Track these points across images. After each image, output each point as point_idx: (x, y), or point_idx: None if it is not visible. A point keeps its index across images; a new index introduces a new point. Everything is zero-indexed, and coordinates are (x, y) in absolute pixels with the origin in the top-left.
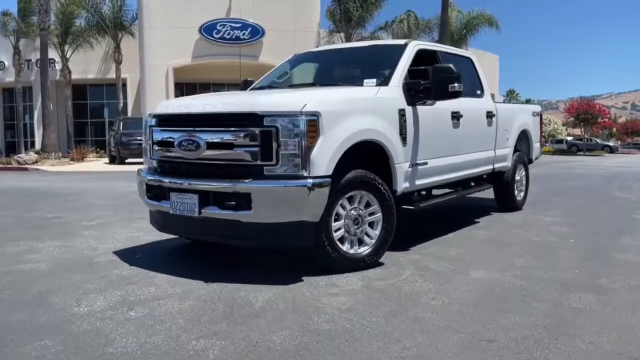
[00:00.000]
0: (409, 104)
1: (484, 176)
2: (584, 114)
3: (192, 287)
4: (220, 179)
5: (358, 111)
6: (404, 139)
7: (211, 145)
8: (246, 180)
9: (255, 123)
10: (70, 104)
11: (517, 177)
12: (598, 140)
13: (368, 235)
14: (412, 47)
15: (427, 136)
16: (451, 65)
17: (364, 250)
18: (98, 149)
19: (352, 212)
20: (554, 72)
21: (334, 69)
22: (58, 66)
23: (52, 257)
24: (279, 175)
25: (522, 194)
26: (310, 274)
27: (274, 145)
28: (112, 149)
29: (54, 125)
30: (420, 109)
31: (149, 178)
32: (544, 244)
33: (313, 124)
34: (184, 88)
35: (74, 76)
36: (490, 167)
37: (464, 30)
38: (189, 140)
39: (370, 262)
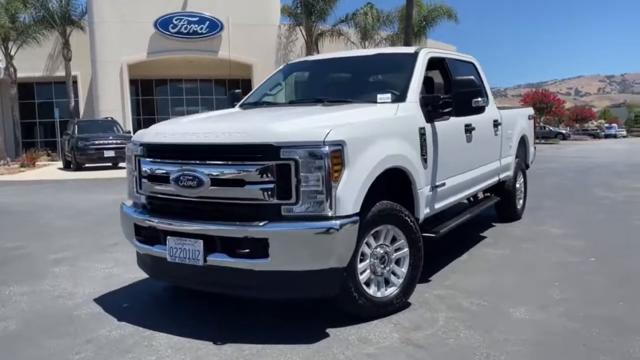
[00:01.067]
0: (427, 120)
1: None
2: (540, 103)
3: (200, 352)
4: (229, 221)
5: (381, 135)
6: (424, 160)
7: (217, 182)
8: (261, 223)
9: (270, 156)
10: (16, 104)
11: (517, 185)
12: (551, 128)
13: (395, 274)
14: (424, 56)
15: (445, 154)
16: (473, 78)
17: (392, 291)
18: (49, 152)
19: (378, 249)
20: (501, 61)
21: (336, 82)
22: (2, 64)
23: (20, 311)
24: (300, 215)
25: (521, 201)
26: (333, 323)
27: (293, 180)
28: (67, 153)
29: (0, 129)
30: (438, 125)
31: (138, 217)
32: (566, 265)
33: (337, 155)
34: (139, 85)
35: (19, 74)
36: (497, 178)
37: (424, 23)
38: (188, 176)
39: (399, 304)
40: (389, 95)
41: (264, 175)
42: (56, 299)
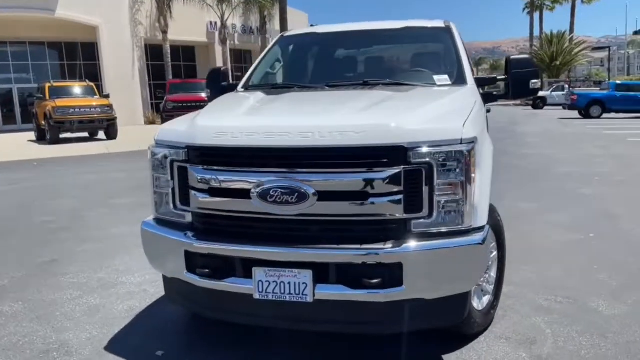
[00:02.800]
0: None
1: None
2: None
3: None
4: (344, 244)
5: (482, 126)
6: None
7: (326, 196)
8: (389, 245)
9: (398, 160)
10: None
11: None
12: None
13: (487, 281)
14: (456, 30)
15: None
16: (529, 56)
17: (487, 300)
18: None
19: None
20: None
21: (368, 60)
22: None
23: None
24: (434, 231)
25: None
26: (436, 348)
27: (425, 189)
28: None
29: None
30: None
31: (192, 243)
32: (578, 245)
33: (473, 155)
34: None
35: None
36: None
37: None
38: (283, 189)
39: (494, 313)
40: (446, 76)
41: (392, 184)
42: (48, 355)
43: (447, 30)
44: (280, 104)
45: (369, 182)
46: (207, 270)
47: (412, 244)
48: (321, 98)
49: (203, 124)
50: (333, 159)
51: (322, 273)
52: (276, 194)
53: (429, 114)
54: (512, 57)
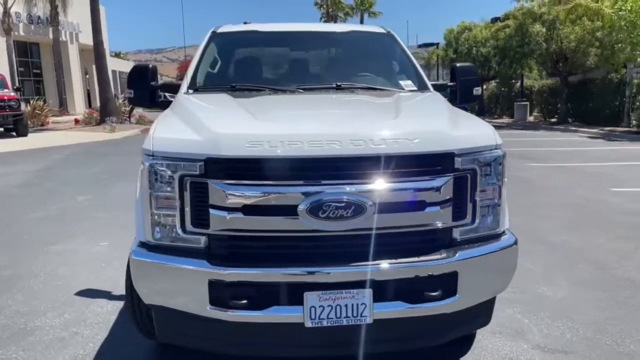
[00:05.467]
0: None
1: None
2: None
3: None
4: (398, 258)
5: None
6: None
7: (383, 207)
8: (443, 254)
9: (448, 167)
10: None
11: None
12: None
13: None
14: (396, 35)
15: None
16: (471, 65)
17: None
18: None
19: None
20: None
21: (318, 62)
22: None
23: None
24: (475, 237)
25: None
26: (448, 351)
27: (469, 196)
28: None
29: None
30: None
31: (228, 272)
32: None
33: (505, 160)
34: None
35: None
36: None
37: None
38: (337, 203)
39: None
40: (410, 82)
41: (444, 192)
42: None
43: (391, 36)
44: (289, 107)
45: (425, 190)
46: (245, 302)
47: (464, 251)
48: (320, 102)
49: (227, 131)
50: (391, 168)
51: (382, 291)
52: (329, 208)
53: (458, 122)
54: (458, 65)
